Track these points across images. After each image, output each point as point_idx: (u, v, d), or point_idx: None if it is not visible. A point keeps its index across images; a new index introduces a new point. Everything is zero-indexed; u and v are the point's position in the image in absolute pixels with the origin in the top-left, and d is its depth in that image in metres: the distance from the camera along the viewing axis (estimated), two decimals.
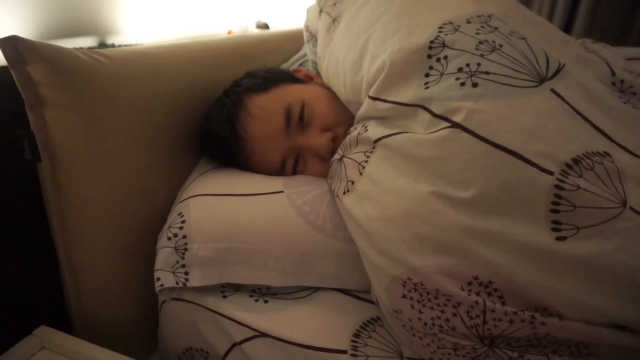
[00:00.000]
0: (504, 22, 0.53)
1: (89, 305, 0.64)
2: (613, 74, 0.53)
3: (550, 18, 1.68)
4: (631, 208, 0.39)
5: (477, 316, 0.43)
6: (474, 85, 0.47)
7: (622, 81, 0.53)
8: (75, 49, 0.61)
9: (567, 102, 0.45)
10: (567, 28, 1.65)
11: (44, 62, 0.54)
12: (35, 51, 0.53)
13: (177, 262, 0.58)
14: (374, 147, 0.55)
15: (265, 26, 1.42)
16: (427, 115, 0.49)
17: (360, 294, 0.61)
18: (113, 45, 0.87)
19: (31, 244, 0.62)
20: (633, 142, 0.44)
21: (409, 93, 0.51)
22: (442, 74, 0.49)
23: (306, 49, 0.98)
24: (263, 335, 0.55)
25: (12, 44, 0.52)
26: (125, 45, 0.88)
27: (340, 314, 0.58)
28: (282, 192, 0.63)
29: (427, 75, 0.51)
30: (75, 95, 0.57)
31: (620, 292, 0.39)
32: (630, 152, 0.43)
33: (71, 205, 0.59)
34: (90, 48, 0.76)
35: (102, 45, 0.87)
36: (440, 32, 0.52)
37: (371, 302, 0.59)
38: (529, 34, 0.53)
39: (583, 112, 0.45)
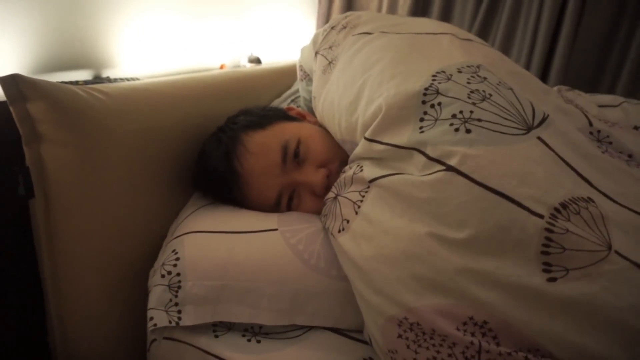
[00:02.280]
0: (492, 72, 0.57)
1: (75, 342, 0.62)
2: (590, 124, 0.56)
3: (529, 59, 1.76)
4: (616, 252, 0.41)
5: (472, 357, 0.43)
6: (468, 131, 0.49)
7: (599, 131, 0.56)
8: (75, 85, 0.62)
9: (552, 150, 0.48)
10: (545, 70, 1.74)
11: (44, 100, 0.54)
12: (35, 89, 0.54)
13: (170, 300, 0.57)
14: (368, 187, 0.56)
15: (257, 60, 1.45)
16: (422, 158, 0.51)
17: (353, 333, 0.60)
18: (108, 78, 0.88)
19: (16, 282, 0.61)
20: (613, 190, 0.47)
21: (404, 136, 0.53)
22: (436, 120, 0.52)
23: (299, 86, 1.00)
24: None
25: (14, 82, 0.52)
26: (121, 79, 0.89)
27: (333, 354, 0.57)
28: (276, 229, 0.63)
29: (421, 119, 0.53)
30: (72, 132, 0.57)
31: (607, 333, 0.40)
32: (611, 199, 0.46)
33: (63, 240, 0.58)
34: (86, 81, 0.76)
35: (98, 78, 0.88)
36: (434, 80, 0.54)
37: (364, 342, 0.59)
38: (514, 85, 0.56)
39: (567, 160, 0.48)
